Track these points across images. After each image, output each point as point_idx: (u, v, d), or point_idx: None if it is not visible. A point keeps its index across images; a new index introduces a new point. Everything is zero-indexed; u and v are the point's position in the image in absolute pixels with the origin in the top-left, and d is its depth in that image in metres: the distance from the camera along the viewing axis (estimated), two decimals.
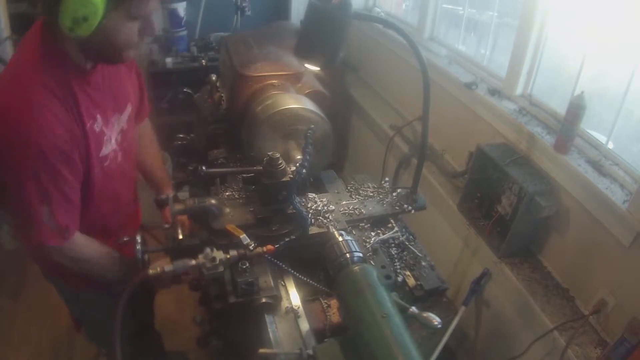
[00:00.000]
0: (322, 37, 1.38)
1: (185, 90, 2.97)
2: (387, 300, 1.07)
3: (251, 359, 1.25)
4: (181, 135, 2.28)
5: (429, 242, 1.80)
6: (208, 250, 1.20)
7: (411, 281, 1.39)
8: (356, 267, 1.16)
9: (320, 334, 1.26)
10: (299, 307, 1.29)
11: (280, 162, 1.35)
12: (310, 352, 1.08)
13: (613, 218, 1.55)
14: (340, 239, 1.25)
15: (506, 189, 1.90)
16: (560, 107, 1.88)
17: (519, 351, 1.80)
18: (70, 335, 2.43)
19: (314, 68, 1.54)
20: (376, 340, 1.00)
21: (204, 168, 1.36)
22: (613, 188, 1.60)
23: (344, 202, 1.59)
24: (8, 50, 2.89)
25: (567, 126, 1.72)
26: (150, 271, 1.18)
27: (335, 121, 1.73)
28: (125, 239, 1.35)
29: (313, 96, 1.80)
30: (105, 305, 1.27)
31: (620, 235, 1.53)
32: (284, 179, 1.35)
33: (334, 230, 1.35)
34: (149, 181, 1.74)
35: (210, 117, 2.04)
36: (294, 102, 1.62)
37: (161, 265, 1.22)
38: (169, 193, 1.72)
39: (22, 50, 1.18)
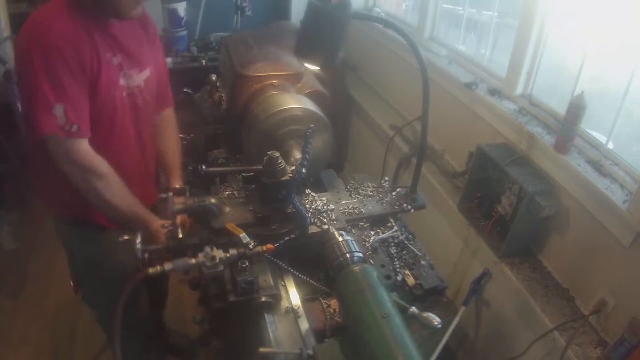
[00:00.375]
0: (321, 36, 1.38)
1: (185, 90, 2.97)
2: (387, 300, 1.07)
3: (251, 359, 1.25)
4: (181, 135, 2.28)
5: (429, 242, 1.80)
6: (208, 249, 1.20)
7: (410, 280, 1.40)
8: (356, 267, 1.16)
9: (320, 334, 1.26)
10: (299, 307, 1.29)
11: (279, 161, 1.35)
12: (310, 352, 1.08)
13: (613, 218, 1.55)
14: (340, 239, 1.25)
15: (506, 189, 1.90)
16: (560, 107, 1.88)
17: (519, 351, 1.80)
18: (70, 335, 2.43)
19: (313, 67, 1.54)
20: (376, 340, 1.00)
21: (203, 167, 1.37)
22: (613, 188, 1.59)
23: (343, 202, 1.59)
24: (8, 51, 2.89)
25: (567, 126, 1.72)
26: (150, 270, 1.18)
27: (335, 121, 1.72)
28: (125, 237, 1.34)
29: (313, 96, 1.81)
30: (102, 246, 1.40)
31: (620, 235, 1.53)
32: (284, 178, 1.35)
33: (334, 230, 1.35)
34: (162, 167, 1.74)
35: (210, 117, 2.04)
36: (294, 102, 1.62)
37: (179, 202, 1.31)
38: (164, 192, 1.71)
39: (43, 5, 1.33)
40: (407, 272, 1.42)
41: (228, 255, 1.21)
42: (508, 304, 1.91)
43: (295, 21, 3.51)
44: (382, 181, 1.71)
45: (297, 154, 1.54)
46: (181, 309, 2.53)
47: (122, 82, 1.43)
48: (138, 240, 1.28)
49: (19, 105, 2.78)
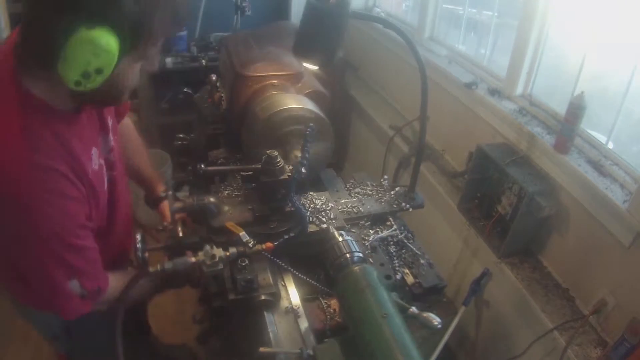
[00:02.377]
0: (319, 35, 1.39)
1: (185, 90, 2.97)
2: (387, 300, 1.07)
3: (251, 357, 1.25)
4: (181, 135, 2.28)
5: (429, 242, 1.80)
6: (208, 247, 1.20)
7: (410, 279, 1.40)
8: (356, 267, 1.16)
9: (320, 334, 1.26)
10: (298, 307, 1.29)
11: (278, 160, 1.36)
12: (310, 352, 1.08)
13: (613, 218, 1.55)
14: (340, 239, 1.25)
15: (506, 189, 1.90)
16: (560, 107, 1.88)
17: (519, 351, 1.80)
18: None
19: (311, 67, 1.55)
20: (376, 340, 1.00)
21: (202, 166, 1.37)
22: (613, 188, 1.60)
23: (342, 201, 1.59)
24: None
25: (567, 126, 1.72)
26: (151, 269, 1.18)
27: (335, 121, 1.72)
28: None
29: (313, 96, 1.81)
30: (100, 325, 1.21)
31: (620, 235, 1.53)
32: (282, 177, 1.36)
33: (333, 230, 1.35)
34: (139, 181, 1.66)
35: (210, 117, 2.04)
36: (294, 102, 1.62)
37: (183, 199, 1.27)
38: (164, 190, 1.66)
39: None
40: (407, 270, 1.42)
41: (228, 253, 1.21)
42: (508, 304, 1.91)
43: (295, 21, 3.51)
44: (382, 180, 1.71)
45: (298, 154, 1.54)
46: (182, 308, 2.53)
47: (106, 176, 1.22)
48: (138, 239, 1.29)
49: None
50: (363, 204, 1.58)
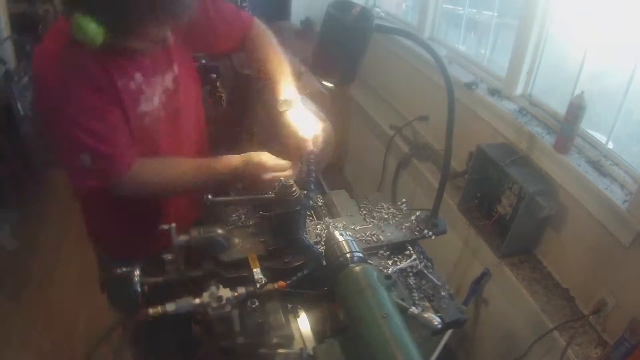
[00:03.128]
0: (340, 51, 1.25)
1: None
2: (387, 300, 1.07)
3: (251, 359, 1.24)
4: None
5: (429, 241, 1.80)
6: (213, 288, 1.10)
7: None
8: (356, 267, 1.16)
9: (320, 334, 1.25)
10: (311, 346, 1.18)
11: (294, 190, 1.23)
12: (310, 352, 1.08)
13: (613, 218, 1.55)
14: (340, 238, 1.24)
15: (506, 189, 1.90)
16: (560, 107, 1.88)
17: (519, 351, 1.80)
18: (70, 336, 2.43)
19: (329, 85, 1.40)
20: (376, 340, 1.00)
21: (209, 197, 1.24)
22: (613, 188, 1.60)
23: (359, 227, 1.46)
24: (8, 50, 2.89)
25: (567, 126, 1.72)
26: (151, 311, 1.08)
27: (335, 121, 1.72)
28: (123, 269, 1.19)
29: (313, 96, 1.81)
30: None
31: (620, 235, 1.53)
32: (298, 209, 1.24)
33: (333, 229, 1.34)
34: (265, 78, 1.51)
35: (210, 117, 2.04)
36: None
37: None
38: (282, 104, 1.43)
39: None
40: (427, 304, 1.32)
41: (236, 294, 1.11)
42: (508, 304, 1.91)
43: (295, 21, 3.51)
44: (400, 203, 1.58)
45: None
46: None
47: (143, 108, 1.29)
48: (137, 272, 1.16)
49: (19, 105, 2.78)
50: (383, 231, 1.45)
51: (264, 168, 1.29)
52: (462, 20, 2.52)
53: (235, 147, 1.88)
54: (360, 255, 1.21)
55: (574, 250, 1.74)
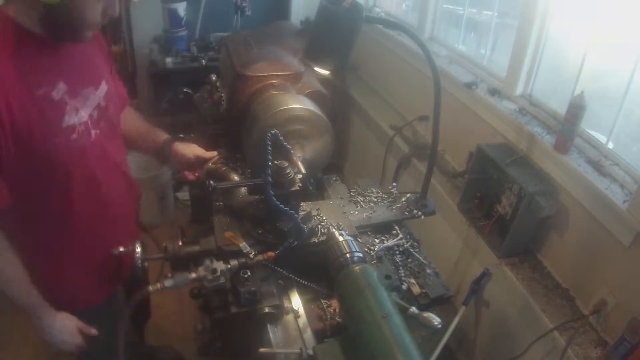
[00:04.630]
0: (332, 40, 1.37)
1: (185, 90, 2.98)
2: (387, 300, 1.07)
3: None
4: (181, 135, 2.28)
5: (429, 242, 1.80)
6: (208, 261, 1.17)
7: (416, 289, 1.38)
8: (356, 267, 1.16)
9: (320, 334, 1.25)
10: (299, 309, 1.28)
11: (288, 171, 1.31)
12: (310, 352, 1.08)
13: (613, 218, 1.55)
14: (340, 238, 1.24)
15: (506, 189, 1.90)
16: (560, 107, 1.88)
17: (519, 351, 1.80)
18: None
19: (323, 71, 1.53)
20: (376, 340, 1.00)
21: (212, 182, 1.31)
22: (613, 188, 1.60)
23: (351, 210, 1.54)
24: None
25: (567, 126, 1.72)
26: (150, 287, 1.14)
27: (335, 121, 1.72)
28: (121, 250, 1.27)
29: (313, 96, 1.81)
30: (104, 318, 1.23)
31: (620, 235, 1.53)
32: (293, 189, 1.31)
33: (334, 230, 1.35)
34: (142, 146, 1.60)
35: (210, 117, 2.04)
36: (294, 102, 1.62)
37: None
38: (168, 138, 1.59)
39: None
40: (413, 280, 1.40)
41: (229, 266, 1.18)
42: (508, 304, 1.91)
43: (295, 21, 3.51)
44: (390, 187, 1.68)
45: (299, 154, 1.54)
46: (182, 308, 2.53)
47: (67, 120, 1.14)
48: (138, 249, 1.25)
49: None
50: (374, 212, 1.55)
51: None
52: (462, 20, 2.52)
53: (235, 147, 1.88)
54: (360, 255, 1.22)
55: (574, 250, 1.74)
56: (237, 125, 1.79)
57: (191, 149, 1.57)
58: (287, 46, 1.99)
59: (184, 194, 3.15)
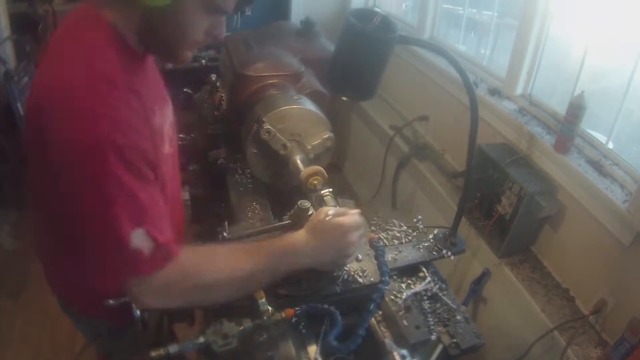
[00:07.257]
0: (359, 64, 1.16)
1: (185, 90, 2.97)
2: None
3: None
4: (181, 135, 2.28)
5: None
6: (218, 324, 1.04)
7: (446, 339, 1.22)
8: None
9: None
10: None
11: (310, 213, 1.18)
12: None
13: (613, 218, 1.55)
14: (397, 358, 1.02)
15: (506, 189, 1.90)
16: (560, 107, 1.88)
17: (519, 351, 1.80)
18: (70, 335, 2.43)
19: (348, 99, 1.36)
20: None
21: (225, 234, 1.15)
22: (613, 188, 1.60)
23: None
24: (8, 50, 2.89)
25: (567, 126, 1.72)
26: (153, 353, 1.00)
27: (335, 121, 1.71)
28: (111, 302, 1.06)
29: (313, 96, 1.80)
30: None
31: (620, 235, 1.53)
32: None
33: (392, 348, 1.07)
34: None
35: (210, 117, 2.04)
36: (294, 102, 1.62)
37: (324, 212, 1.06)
38: None
39: (67, 39, 0.91)
40: (442, 329, 1.24)
41: (242, 328, 1.04)
42: (508, 304, 1.91)
43: (295, 21, 3.51)
44: (415, 220, 1.50)
45: (297, 153, 1.54)
46: None
47: (166, 141, 1.03)
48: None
49: (19, 105, 2.78)
50: (400, 252, 1.36)
51: (342, 228, 1.07)
52: (462, 20, 2.52)
53: (235, 147, 1.88)
54: None
55: (574, 250, 1.74)
56: (237, 125, 1.79)
57: None
58: (287, 46, 1.99)
59: (184, 194, 3.15)
